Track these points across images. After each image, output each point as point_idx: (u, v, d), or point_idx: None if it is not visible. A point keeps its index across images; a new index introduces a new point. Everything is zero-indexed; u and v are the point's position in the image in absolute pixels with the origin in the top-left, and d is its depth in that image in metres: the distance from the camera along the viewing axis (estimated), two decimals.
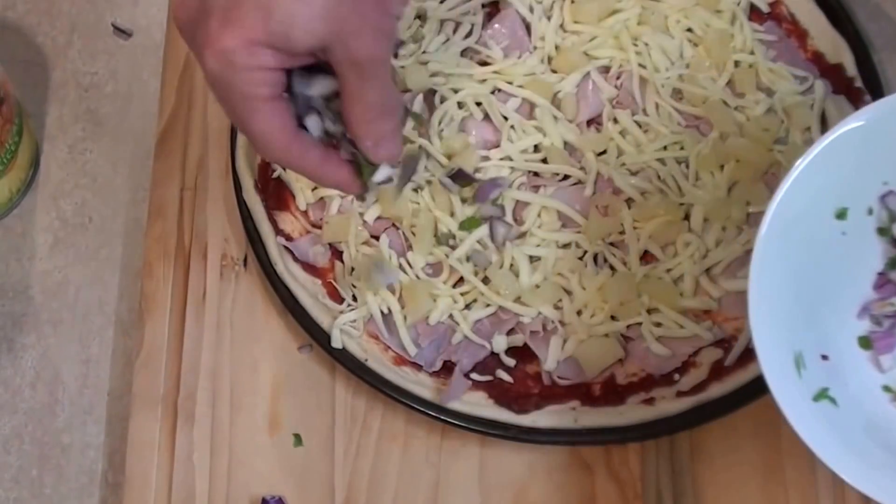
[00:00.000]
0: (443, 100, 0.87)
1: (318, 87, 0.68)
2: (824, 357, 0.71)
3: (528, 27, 0.89)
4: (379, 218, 0.85)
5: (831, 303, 0.73)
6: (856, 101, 0.85)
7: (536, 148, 0.86)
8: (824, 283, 0.72)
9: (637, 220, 0.83)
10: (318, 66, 0.67)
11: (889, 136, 0.70)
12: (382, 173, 0.71)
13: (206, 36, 0.65)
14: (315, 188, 0.86)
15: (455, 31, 0.90)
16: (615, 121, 0.86)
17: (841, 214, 0.72)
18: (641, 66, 0.86)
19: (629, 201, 0.84)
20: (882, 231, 0.74)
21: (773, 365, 0.67)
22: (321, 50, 0.65)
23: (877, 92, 0.85)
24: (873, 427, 0.71)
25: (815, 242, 0.71)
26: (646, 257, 0.83)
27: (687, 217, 0.83)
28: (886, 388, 0.73)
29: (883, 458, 0.68)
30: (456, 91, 0.87)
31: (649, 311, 0.81)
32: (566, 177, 0.85)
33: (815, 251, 0.71)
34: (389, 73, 0.68)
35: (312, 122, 0.69)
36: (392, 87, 0.69)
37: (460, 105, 0.87)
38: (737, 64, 0.87)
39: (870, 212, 0.73)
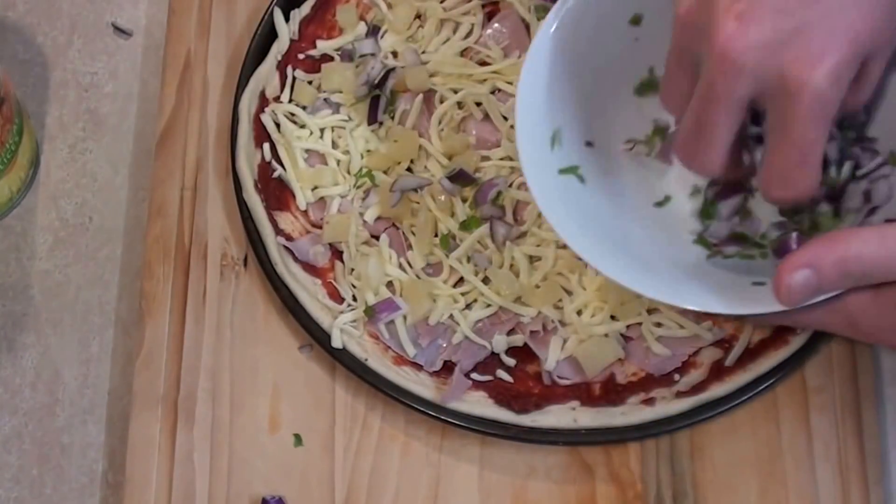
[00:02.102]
0: (443, 100, 0.87)
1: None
2: (589, 143, 0.78)
3: (527, 27, 0.89)
4: (379, 218, 0.85)
5: (612, 99, 0.78)
6: None
7: None
8: (610, 82, 0.78)
9: None
10: None
11: None
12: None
13: (811, 52, 0.63)
14: (315, 188, 0.86)
15: (455, 31, 0.90)
16: None
17: (635, 20, 0.76)
18: None
19: None
20: None
21: (526, 137, 0.74)
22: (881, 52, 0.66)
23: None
24: (628, 217, 0.77)
25: (605, 43, 0.76)
26: None
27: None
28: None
29: (625, 240, 0.75)
30: (456, 91, 0.87)
31: (649, 311, 0.81)
32: None
33: (604, 51, 0.76)
34: None
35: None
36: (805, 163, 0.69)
37: (460, 105, 0.87)
38: None
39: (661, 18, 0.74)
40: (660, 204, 0.79)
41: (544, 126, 0.76)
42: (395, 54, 0.89)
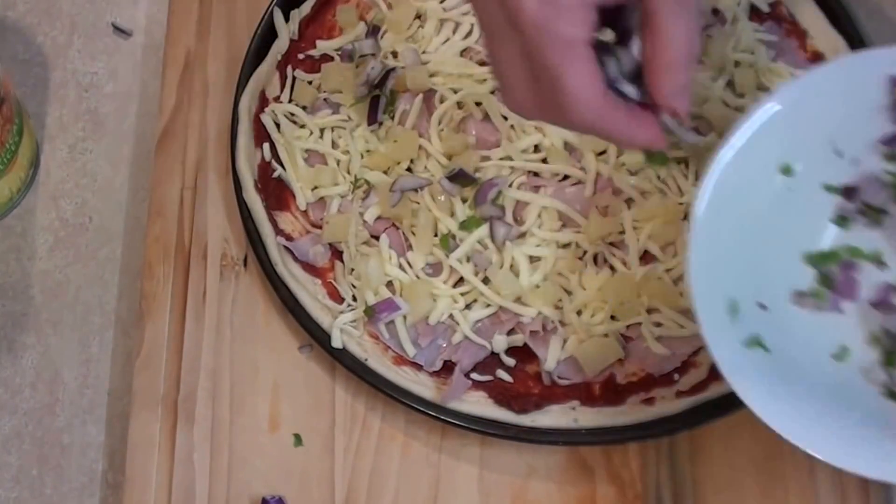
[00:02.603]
0: (442, 100, 0.87)
1: (636, 47, 0.64)
2: (762, 306, 0.71)
3: None
4: (379, 218, 0.85)
5: (774, 254, 0.73)
6: None
7: (536, 148, 0.86)
8: (768, 236, 0.73)
9: (637, 220, 0.83)
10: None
11: (829, 99, 0.70)
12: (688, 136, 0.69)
13: None
14: (315, 188, 0.86)
15: (455, 31, 0.90)
16: None
17: (786, 170, 0.72)
18: None
19: (629, 201, 0.84)
20: (829, 187, 0.73)
21: (706, 310, 0.68)
22: None
23: None
24: (812, 379, 0.71)
25: (759, 198, 0.72)
26: (646, 257, 0.83)
27: (686, 217, 0.83)
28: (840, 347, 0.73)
29: (818, 408, 0.68)
30: (456, 91, 0.87)
31: (649, 311, 0.81)
32: (566, 177, 0.85)
33: (758, 206, 0.72)
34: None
35: (629, 88, 0.64)
36: (697, 30, 0.63)
37: (460, 105, 0.87)
38: (737, 64, 0.87)
39: (815, 167, 0.72)
40: (838, 357, 0.72)
41: (718, 297, 0.70)
42: (394, 54, 0.89)
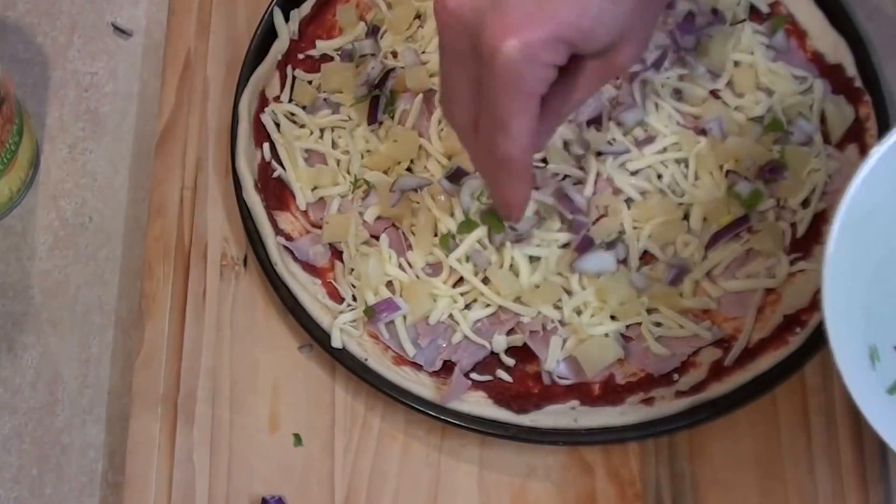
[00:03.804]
0: None
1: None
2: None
3: None
4: (379, 218, 0.85)
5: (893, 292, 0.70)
6: (855, 101, 0.85)
7: None
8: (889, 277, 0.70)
9: (637, 220, 0.83)
10: None
11: None
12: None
13: (506, 24, 0.64)
14: (315, 188, 0.86)
15: None
16: (617, 123, 0.86)
17: None
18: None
19: (629, 201, 0.84)
20: None
21: (847, 359, 0.66)
22: (592, 51, 0.66)
23: (876, 92, 0.85)
24: None
25: (892, 236, 0.69)
26: (645, 257, 0.83)
27: (686, 217, 0.83)
28: None
29: None
30: None
31: (649, 311, 0.81)
32: (566, 176, 0.85)
33: (892, 244, 0.69)
34: None
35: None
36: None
37: None
38: (737, 64, 0.87)
39: None
40: None
41: (857, 343, 0.68)
42: (394, 54, 0.89)
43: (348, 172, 0.87)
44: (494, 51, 0.64)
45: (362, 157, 0.87)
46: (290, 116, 0.88)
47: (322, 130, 0.88)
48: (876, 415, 0.66)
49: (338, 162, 0.87)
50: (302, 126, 0.88)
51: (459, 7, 0.66)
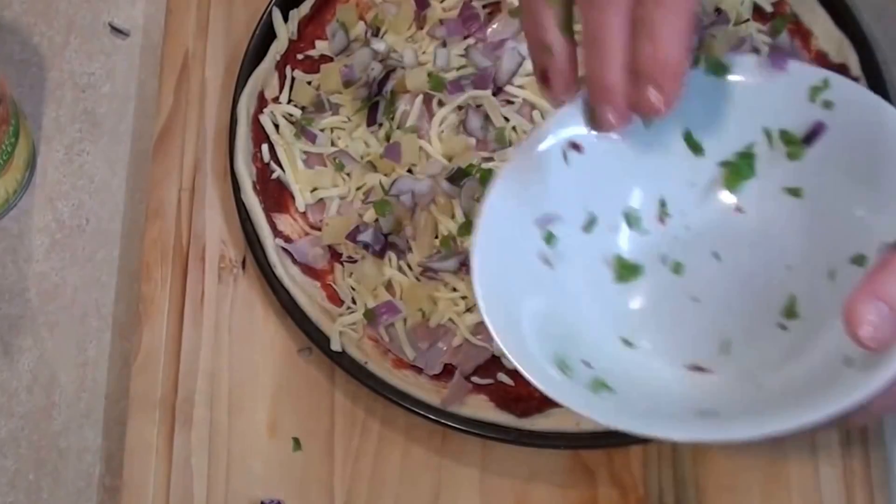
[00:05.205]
0: (442, 102, 0.86)
1: None
2: (587, 364, 0.67)
3: None
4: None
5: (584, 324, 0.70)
6: None
7: None
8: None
9: None
10: None
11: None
12: None
13: None
14: (314, 189, 0.86)
15: None
16: None
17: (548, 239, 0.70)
18: None
19: None
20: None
21: (541, 377, 0.63)
22: None
23: (881, 92, 0.84)
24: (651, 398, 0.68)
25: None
26: None
27: None
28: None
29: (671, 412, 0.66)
30: None
31: None
32: None
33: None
34: None
35: None
36: None
37: (460, 106, 0.86)
38: None
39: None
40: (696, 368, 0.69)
41: (547, 360, 0.66)
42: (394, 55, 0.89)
43: (347, 174, 0.86)
44: None
45: (362, 158, 0.86)
46: (289, 117, 0.88)
47: (321, 131, 0.88)
48: (596, 413, 0.63)
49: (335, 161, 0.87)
50: (298, 136, 0.87)
51: None
